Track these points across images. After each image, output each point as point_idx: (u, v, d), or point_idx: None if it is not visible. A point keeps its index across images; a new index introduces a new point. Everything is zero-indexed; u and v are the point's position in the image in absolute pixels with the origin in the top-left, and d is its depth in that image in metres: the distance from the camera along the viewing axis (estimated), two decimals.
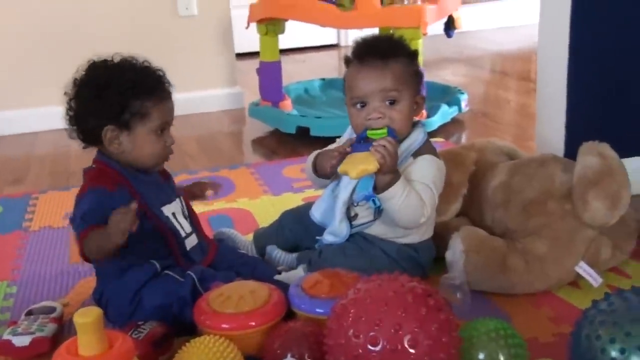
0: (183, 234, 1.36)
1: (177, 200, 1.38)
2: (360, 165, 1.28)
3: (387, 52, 1.36)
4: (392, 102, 1.34)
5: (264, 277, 1.32)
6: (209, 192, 1.49)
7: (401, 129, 1.35)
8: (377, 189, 1.30)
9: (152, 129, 1.29)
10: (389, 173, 1.29)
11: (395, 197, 1.29)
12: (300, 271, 1.39)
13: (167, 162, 1.36)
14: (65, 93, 1.32)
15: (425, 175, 1.34)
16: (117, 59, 1.31)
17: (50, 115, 2.81)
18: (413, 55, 1.40)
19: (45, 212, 1.97)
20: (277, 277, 1.37)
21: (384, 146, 1.27)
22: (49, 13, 2.83)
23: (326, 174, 1.40)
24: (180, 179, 1.93)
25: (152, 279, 1.29)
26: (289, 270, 1.43)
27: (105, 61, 1.31)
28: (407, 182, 1.31)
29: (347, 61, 1.40)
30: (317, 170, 1.42)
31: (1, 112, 2.87)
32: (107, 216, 1.20)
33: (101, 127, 1.28)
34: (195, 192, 1.47)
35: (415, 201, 1.31)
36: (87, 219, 1.24)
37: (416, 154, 1.37)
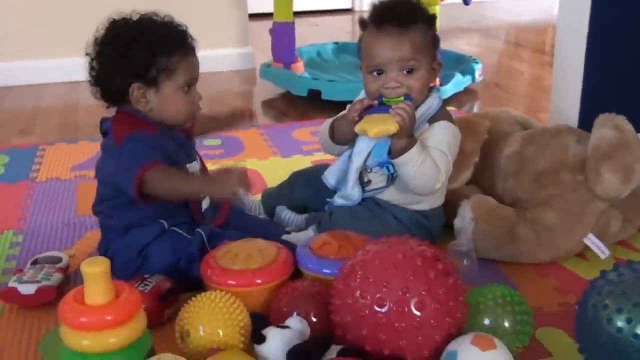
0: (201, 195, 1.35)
1: (197, 160, 1.37)
2: (380, 125, 1.25)
3: (405, 18, 1.32)
4: (410, 71, 1.32)
5: (272, 237, 1.31)
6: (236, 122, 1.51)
7: (418, 96, 1.33)
8: (393, 153, 1.28)
9: (180, 85, 1.27)
10: (406, 137, 1.27)
11: (411, 163, 1.28)
12: (310, 232, 1.38)
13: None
14: (87, 53, 1.29)
15: (441, 141, 1.32)
16: (136, 16, 1.28)
17: (59, 67, 2.81)
18: (431, 19, 1.37)
19: (53, 164, 1.97)
20: (285, 237, 1.36)
21: (404, 109, 1.26)
22: None
23: (344, 137, 1.38)
24: None
25: (158, 236, 1.28)
26: (298, 231, 1.42)
27: (125, 19, 1.28)
28: (422, 148, 1.30)
29: (363, 24, 1.37)
30: (333, 135, 1.40)
31: (10, 63, 2.86)
32: (163, 155, 1.22)
33: (127, 85, 1.25)
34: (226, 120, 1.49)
35: (430, 167, 1.29)
36: (146, 156, 1.21)
37: (432, 120, 1.35)
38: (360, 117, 1.30)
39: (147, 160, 1.21)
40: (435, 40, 1.38)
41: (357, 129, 1.29)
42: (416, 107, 1.33)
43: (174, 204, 1.30)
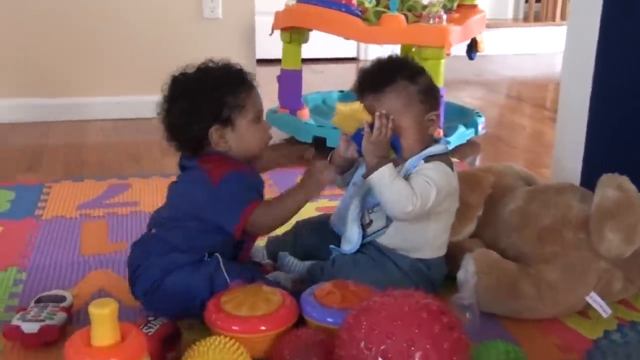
0: None
1: None
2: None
3: (381, 82, 1.36)
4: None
5: None
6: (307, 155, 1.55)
7: (407, 151, 1.36)
8: (366, 172, 1.33)
9: (251, 119, 1.33)
10: (377, 157, 1.32)
11: (383, 180, 1.31)
12: (278, 274, 1.40)
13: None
14: (158, 113, 1.35)
15: (428, 174, 1.33)
16: (192, 68, 1.34)
17: (64, 106, 2.84)
18: (415, 73, 1.38)
19: (58, 202, 1.97)
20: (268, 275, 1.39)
21: (385, 124, 1.32)
22: (68, 8, 2.84)
23: (339, 165, 1.43)
24: None
25: (192, 264, 1.31)
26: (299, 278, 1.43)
27: (184, 73, 1.34)
28: (395, 172, 1.32)
29: None
30: (331, 161, 1.45)
31: (16, 100, 2.88)
32: (257, 191, 1.33)
33: (205, 130, 1.31)
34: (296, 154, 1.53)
35: (402, 187, 1.30)
36: (246, 198, 1.29)
37: (428, 160, 1.36)
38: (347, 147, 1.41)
39: (249, 202, 1.29)
40: (424, 93, 1.37)
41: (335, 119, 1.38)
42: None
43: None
